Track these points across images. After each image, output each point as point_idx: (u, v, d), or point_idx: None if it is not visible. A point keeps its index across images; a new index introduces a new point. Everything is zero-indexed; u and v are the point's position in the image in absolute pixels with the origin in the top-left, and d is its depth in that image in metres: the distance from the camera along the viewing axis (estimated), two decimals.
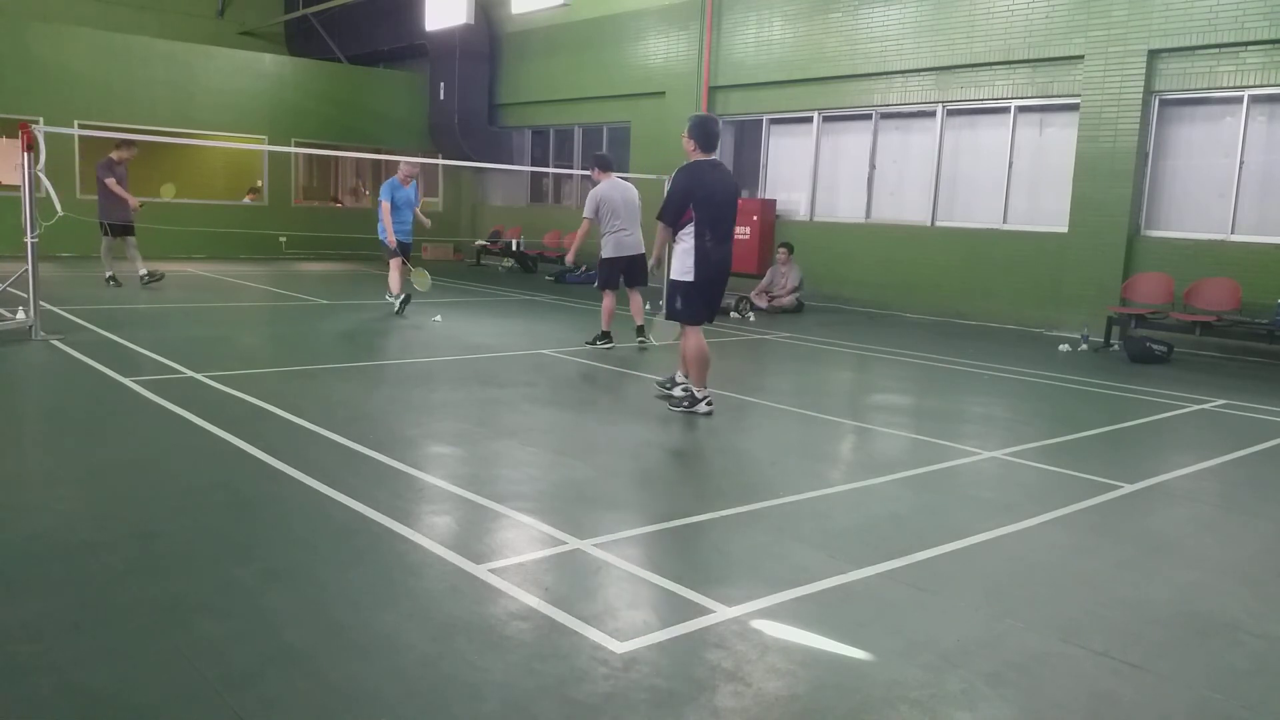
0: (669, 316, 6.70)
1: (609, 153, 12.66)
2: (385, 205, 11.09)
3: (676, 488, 5.01)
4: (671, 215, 6.39)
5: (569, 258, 9.83)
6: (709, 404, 6.55)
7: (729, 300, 13.13)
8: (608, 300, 9.38)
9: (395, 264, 11.27)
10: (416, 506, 4.44)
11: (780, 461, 5.58)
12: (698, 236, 6.32)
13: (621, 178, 9.48)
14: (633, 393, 7.63)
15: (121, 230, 12.80)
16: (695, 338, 6.53)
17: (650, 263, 6.92)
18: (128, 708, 2.63)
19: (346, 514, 4.24)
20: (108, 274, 12.80)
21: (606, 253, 9.18)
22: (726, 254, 6.52)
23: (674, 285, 6.53)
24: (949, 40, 13.14)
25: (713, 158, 6.57)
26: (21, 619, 3.11)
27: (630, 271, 9.32)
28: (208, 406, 6.15)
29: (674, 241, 6.47)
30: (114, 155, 12.79)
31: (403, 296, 11.19)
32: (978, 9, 12.80)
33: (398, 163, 11.62)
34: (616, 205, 9.09)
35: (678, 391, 6.84)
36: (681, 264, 6.42)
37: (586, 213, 9.23)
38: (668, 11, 16.80)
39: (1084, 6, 11.78)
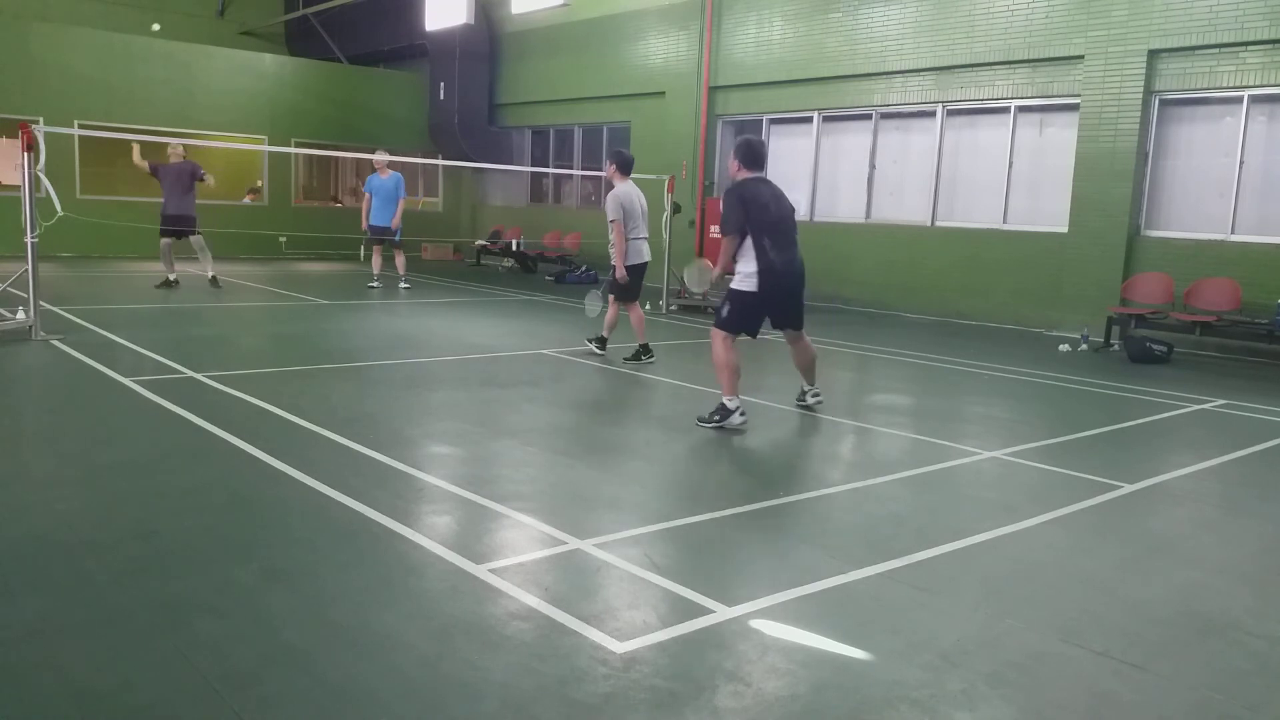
0: (716, 324, 6.43)
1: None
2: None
3: (677, 487, 5.01)
4: (733, 226, 6.29)
5: (619, 273, 8.55)
6: (743, 414, 6.22)
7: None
8: (636, 312, 8.77)
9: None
10: (416, 506, 4.44)
11: (780, 461, 5.58)
12: (758, 248, 6.25)
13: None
14: (633, 393, 7.63)
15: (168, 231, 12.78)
16: (721, 344, 6.31)
17: (714, 274, 6.85)
18: (128, 708, 2.63)
19: (347, 514, 4.24)
20: (169, 275, 12.83)
21: (629, 260, 8.52)
22: (793, 261, 6.43)
23: (729, 293, 6.39)
24: (949, 40, 13.13)
25: (760, 175, 6.53)
26: (21, 619, 3.11)
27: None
28: (208, 406, 6.15)
29: (738, 258, 6.34)
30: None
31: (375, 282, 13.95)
32: (978, 9, 12.79)
33: (398, 163, 11.98)
34: (635, 209, 8.58)
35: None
36: (744, 276, 6.31)
37: (612, 214, 8.47)
38: (668, 11, 16.80)
39: (1084, 6, 11.77)
